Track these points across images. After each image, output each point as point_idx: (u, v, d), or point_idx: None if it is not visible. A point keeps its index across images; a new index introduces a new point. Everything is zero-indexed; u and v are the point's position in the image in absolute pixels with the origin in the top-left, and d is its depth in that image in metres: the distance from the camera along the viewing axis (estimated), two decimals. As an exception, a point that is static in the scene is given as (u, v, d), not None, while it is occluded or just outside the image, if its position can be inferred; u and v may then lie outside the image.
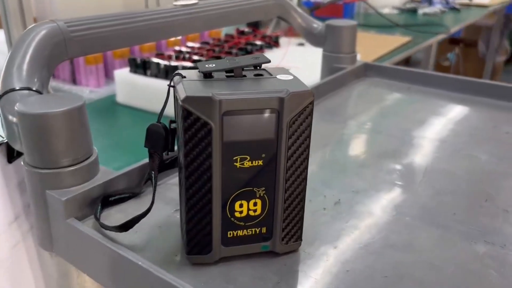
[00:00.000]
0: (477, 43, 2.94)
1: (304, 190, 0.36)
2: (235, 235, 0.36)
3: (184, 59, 0.99)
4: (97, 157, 0.44)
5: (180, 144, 0.33)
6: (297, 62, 1.02)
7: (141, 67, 0.96)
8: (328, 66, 0.82)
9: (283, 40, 1.27)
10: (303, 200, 0.36)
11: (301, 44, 1.31)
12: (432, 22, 1.86)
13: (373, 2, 1.95)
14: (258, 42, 1.13)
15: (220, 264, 0.36)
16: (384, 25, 1.73)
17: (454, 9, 2.18)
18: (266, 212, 0.35)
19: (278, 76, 0.35)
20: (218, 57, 1.03)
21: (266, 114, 0.32)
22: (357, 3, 2.00)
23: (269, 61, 0.35)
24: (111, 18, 0.54)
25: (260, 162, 0.34)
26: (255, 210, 0.35)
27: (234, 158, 0.33)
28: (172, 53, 1.03)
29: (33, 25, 0.48)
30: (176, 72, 0.35)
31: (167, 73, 0.92)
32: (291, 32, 1.40)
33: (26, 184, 0.42)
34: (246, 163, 0.33)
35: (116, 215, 0.43)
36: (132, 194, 0.45)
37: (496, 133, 0.62)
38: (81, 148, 0.42)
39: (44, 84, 0.46)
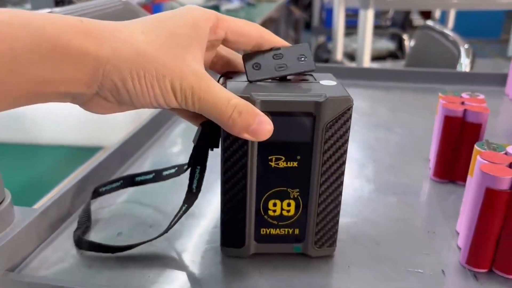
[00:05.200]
0: (269, 34, 3.26)
1: (339, 195, 0.35)
2: (268, 232, 0.36)
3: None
4: (11, 199, 0.37)
5: (220, 142, 0.33)
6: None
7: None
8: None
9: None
10: (338, 205, 0.36)
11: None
12: (238, 17, 2.01)
13: (176, 2, 2.00)
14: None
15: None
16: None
17: (249, 4, 2.39)
18: (299, 214, 0.36)
19: (321, 82, 0.35)
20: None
21: (303, 117, 0.33)
22: (165, 3, 2.02)
23: (314, 69, 0.35)
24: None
25: (295, 164, 0.34)
26: (288, 211, 0.36)
27: (270, 157, 0.34)
28: None
29: None
30: (224, 73, 0.35)
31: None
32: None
33: None
34: (281, 164, 0.34)
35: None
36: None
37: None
38: (-5, 190, 0.35)
39: None
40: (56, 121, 0.80)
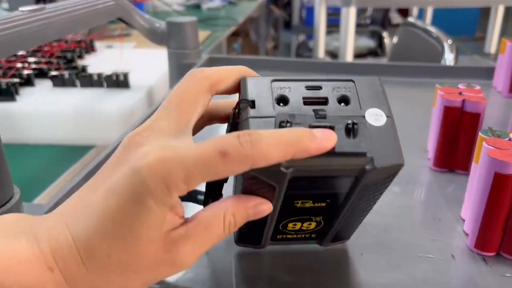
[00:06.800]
0: (249, 33, 3.27)
1: (365, 217, 0.34)
2: (284, 237, 0.35)
3: None
4: (20, 196, 0.37)
5: (238, 184, 0.29)
6: (130, 65, 0.99)
7: None
8: (176, 64, 0.83)
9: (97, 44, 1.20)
10: (361, 221, 0.35)
11: (110, 47, 1.27)
12: (218, 16, 2.00)
13: (158, 1, 1.99)
14: (76, 49, 1.05)
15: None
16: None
17: (231, 3, 2.38)
18: (320, 228, 0.34)
19: (367, 118, 0.27)
20: (40, 69, 0.91)
21: (342, 178, 0.28)
22: (145, 2, 2.00)
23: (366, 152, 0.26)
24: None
25: (323, 204, 0.31)
26: (308, 226, 0.34)
27: (296, 202, 0.30)
28: (-21, 71, 0.87)
29: None
30: (243, 99, 0.27)
31: (1, 93, 0.79)
32: (99, 36, 1.33)
33: None
34: (307, 204, 0.30)
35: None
36: None
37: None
38: (4, 188, 0.35)
39: None
40: (47, 120, 0.79)
